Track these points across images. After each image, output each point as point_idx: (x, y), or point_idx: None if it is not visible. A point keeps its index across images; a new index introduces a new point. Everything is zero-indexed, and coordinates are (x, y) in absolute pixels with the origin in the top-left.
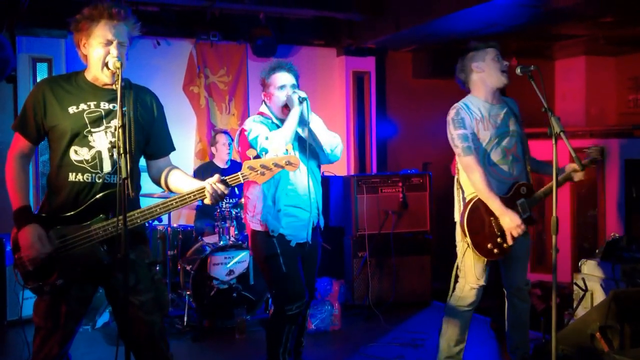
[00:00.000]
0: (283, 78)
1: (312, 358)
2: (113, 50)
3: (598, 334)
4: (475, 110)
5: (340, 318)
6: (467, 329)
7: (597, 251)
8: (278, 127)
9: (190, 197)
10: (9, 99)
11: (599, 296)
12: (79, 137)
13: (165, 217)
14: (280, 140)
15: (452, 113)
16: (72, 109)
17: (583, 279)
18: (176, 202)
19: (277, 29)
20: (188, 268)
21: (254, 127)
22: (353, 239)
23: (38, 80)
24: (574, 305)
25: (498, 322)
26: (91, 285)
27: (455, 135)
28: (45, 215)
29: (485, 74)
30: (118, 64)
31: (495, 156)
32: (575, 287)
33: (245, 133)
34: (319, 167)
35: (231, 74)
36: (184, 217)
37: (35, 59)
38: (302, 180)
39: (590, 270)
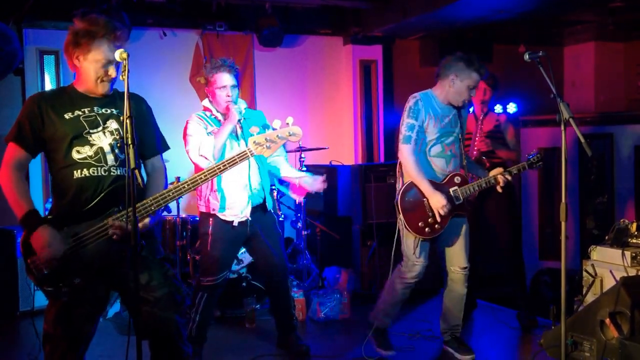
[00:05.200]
0: (224, 79)
1: (321, 346)
2: (112, 71)
3: (608, 320)
4: (432, 106)
5: (349, 307)
6: (404, 299)
7: (606, 237)
8: (218, 120)
9: (202, 177)
10: (17, 92)
11: (609, 283)
12: (78, 138)
13: (174, 208)
14: (209, 149)
15: (411, 102)
16: (67, 115)
17: (592, 266)
18: (188, 185)
19: (283, 18)
20: (197, 258)
21: (192, 126)
22: (361, 228)
23: (45, 72)
24: (584, 292)
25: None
26: (104, 285)
27: (404, 122)
28: (54, 217)
29: (452, 90)
30: (125, 55)
31: (435, 150)
32: (584, 274)
33: (186, 127)
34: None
35: (238, 65)
36: (192, 208)
37: (43, 52)
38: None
39: (600, 256)
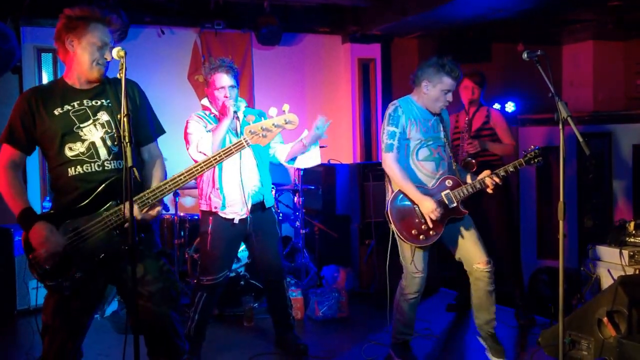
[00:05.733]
0: (222, 79)
1: (319, 345)
2: (108, 54)
3: (605, 319)
4: (412, 111)
5: (347, 305)
6: (415, 315)
7: (604, 236)
8: (217, 118)
9: (197, 169)
10: (15, 90)
11: (607, 281)
12: (69, 135)
13: (172, 206)
14: (208, 144)
15: (390, 109)
16: (57, 111)
17: (591, 264)
18: (185, 176)
19: (282, 16)
20: (195, 257)
21: (192, 125)
22: (360, 226)
23: (43, 70)
24: (582, 291)
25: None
26: (103, 278)
27: (385, 130)
28: (54, 212)
29: (426, 96)
30: (122, 53)
31: (422, 153)
32: (582, 272)
33: (186, 126)
34: (267, 148)
35: (236, 63)
36: (190, 206)
37: (40, 50)
38: (236, 162)
39: (598, 255)
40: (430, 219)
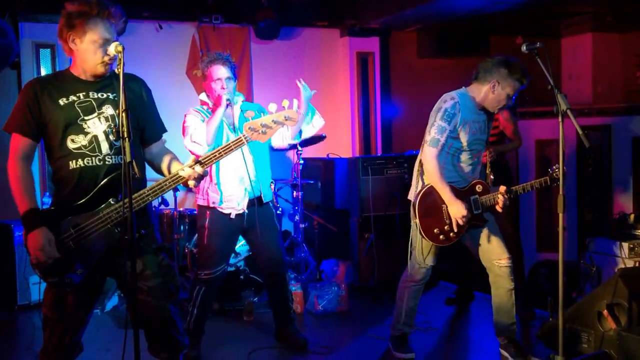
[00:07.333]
0: (219, 71)
1: (319, 339)
2: (111, 50)
3: (605, 311)
4: (467, 109)
5: (347, 299)
6: (417, 302)
7: (604, 229)
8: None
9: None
10: (13, 85)
11: (607, 274)
12: (73, 126)
13: (171, 201)
14: (202, 134)
15: (448, 103)
16: (62, 101)
17: (590, 257)
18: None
19: (279, 10)
20: (195, 251)
21: (189, 118)
22: (359, 220)
23: (41, 65)
24: (582, 284)
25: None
26: (100, 273)
27: (436, 123)
28: (56, 208)
29: (492, 96)
30: (120, 48)
31: (463, 156)
32: (582, 265)
33: (184, 120)
34: (266, 144)
35: (234, 57)
36: (190, 201)
37: (39, 45)
38: (236, 157)
39: (598, 248)
40: (457, 223)
